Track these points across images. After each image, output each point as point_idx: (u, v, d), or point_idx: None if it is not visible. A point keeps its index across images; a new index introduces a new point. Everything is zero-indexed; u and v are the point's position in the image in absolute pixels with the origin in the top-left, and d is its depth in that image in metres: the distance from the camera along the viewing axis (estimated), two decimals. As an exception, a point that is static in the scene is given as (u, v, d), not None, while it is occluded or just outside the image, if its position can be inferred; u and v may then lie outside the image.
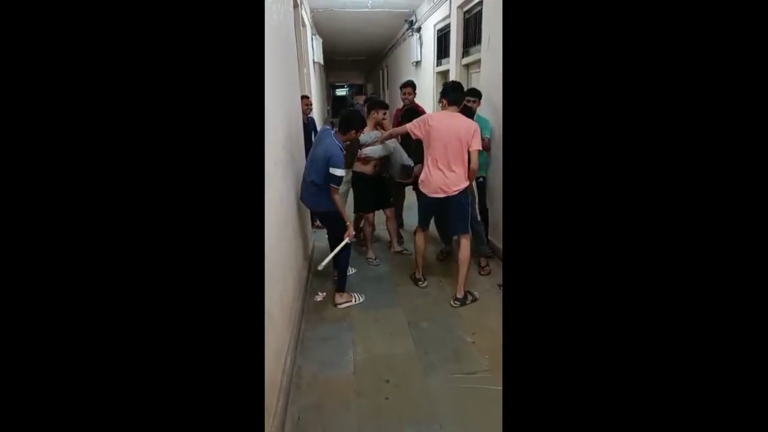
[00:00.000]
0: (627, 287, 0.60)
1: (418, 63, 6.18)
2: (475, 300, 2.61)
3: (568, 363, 0.62)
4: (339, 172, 2.31)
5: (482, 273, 2.97)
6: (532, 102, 0.66)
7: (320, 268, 2.46)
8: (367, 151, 2.89)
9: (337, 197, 2.40)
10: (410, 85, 3.37)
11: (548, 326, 0.64)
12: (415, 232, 2.84)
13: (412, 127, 2.56)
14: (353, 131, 2.45)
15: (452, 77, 4.35)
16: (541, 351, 0.64)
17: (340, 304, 2.59)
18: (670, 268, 0.58)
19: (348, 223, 2.51)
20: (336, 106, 13.39)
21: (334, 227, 2.56)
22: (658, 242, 0.58)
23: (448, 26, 4.55)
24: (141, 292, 0.59)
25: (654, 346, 0.58)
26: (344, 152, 2.41)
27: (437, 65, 5.23)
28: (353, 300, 2.63)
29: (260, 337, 0.92)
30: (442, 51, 5.03)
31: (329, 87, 14.41)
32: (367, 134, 2.84)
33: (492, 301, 2.60)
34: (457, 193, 2.49)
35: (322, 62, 6.89)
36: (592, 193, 0.62)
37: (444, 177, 2.48)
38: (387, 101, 9.93)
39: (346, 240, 2.50)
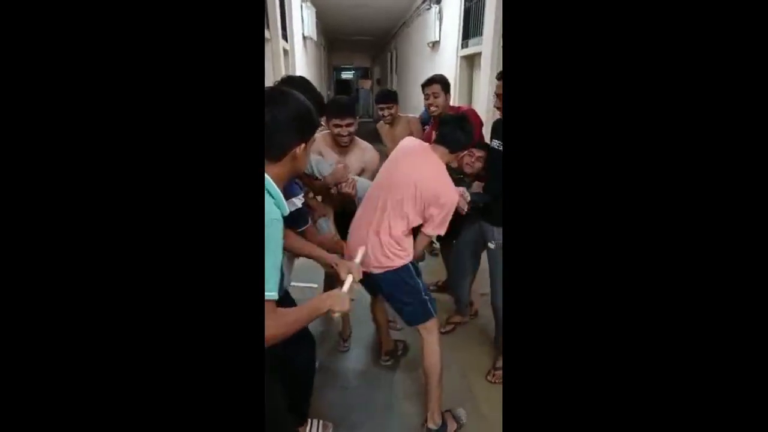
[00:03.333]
0: (628, 298, 0.55)
1: (435, 44, 4.95)
2: (460, 427, 1.54)
3: (570, 367, 0.57)
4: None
5: (491, 379, 1.80)
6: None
7: None
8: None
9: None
10: (438, 81, 1.99)
11: (549, 331, 0.58)
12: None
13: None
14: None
15: (485, 64, 3.13)
16: (542, 355, 0.59)
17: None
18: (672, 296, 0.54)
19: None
20: (339, 92, 12.21)
21: None
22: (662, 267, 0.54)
23: (481, -7, 3.32)
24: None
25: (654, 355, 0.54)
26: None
27: (462, 47, 4.00)
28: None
29: None
30: (470, 28, 3.80)
31: (333, 70, 13.13)
32: (318, 159, 1.63)
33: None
34: (384, 272, 1.44)
35: (315, 38, 5.62)
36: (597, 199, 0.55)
37: (371, 240, 1.41)
38: (395, 89, 8.72)
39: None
